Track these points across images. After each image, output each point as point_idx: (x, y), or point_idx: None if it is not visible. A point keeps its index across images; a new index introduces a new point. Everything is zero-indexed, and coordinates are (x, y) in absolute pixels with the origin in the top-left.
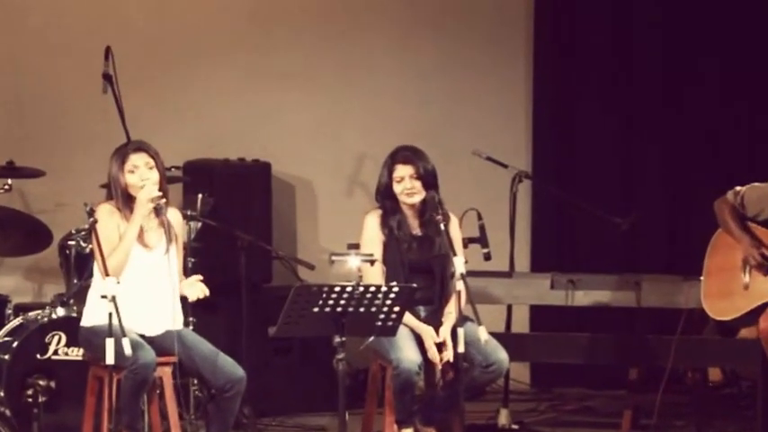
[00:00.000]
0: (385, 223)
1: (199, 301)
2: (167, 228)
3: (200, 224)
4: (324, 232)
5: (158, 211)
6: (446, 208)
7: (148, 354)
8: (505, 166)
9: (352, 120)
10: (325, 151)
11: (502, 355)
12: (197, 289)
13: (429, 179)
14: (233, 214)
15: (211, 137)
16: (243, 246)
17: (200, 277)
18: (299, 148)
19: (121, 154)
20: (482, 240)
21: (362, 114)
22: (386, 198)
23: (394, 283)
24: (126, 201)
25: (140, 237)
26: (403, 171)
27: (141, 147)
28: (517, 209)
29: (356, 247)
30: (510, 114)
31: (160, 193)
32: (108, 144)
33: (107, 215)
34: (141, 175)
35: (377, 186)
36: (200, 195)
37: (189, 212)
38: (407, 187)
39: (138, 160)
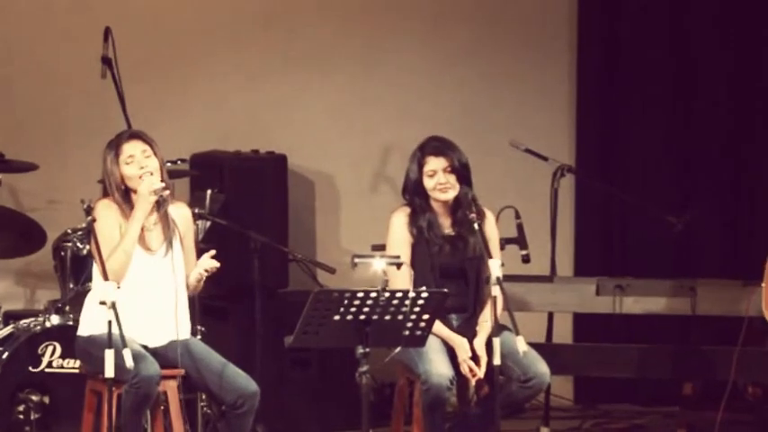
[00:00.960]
0: (413, 222)
1: (208, 307)
2: (171, 225)
3: (208, 223)
4: (345, 232)
5: (160, 205)
6: (481, 205)
7: (152, 366)
8: (546, 159)
9: (377, 108)
10: (347, 142)
11: (542, 368)
12: (206, 263)
13: (463, 173)
14: (245, 212)
15: (221, 127)
16: (256, 247)
17: (213, 252)
18: (319, 138)
19: (114, 145)
20: (520, 241)
21: (389, 102)
22: (415, 195)
23: (423, 289)
24: (125, 196)
25: (141, 237)
26: (435, 164)
27: (135, 134)
28: (559, 206)
29: (381, 248)
30: (551, 102)
31: (163, 184)
32: (108, 135)
33: (107, 212)
34: (139, 164)
35: (404, 182)
36: (208, 191)
37: (197, 210)
38: (440, 182)
39: (133, 149)
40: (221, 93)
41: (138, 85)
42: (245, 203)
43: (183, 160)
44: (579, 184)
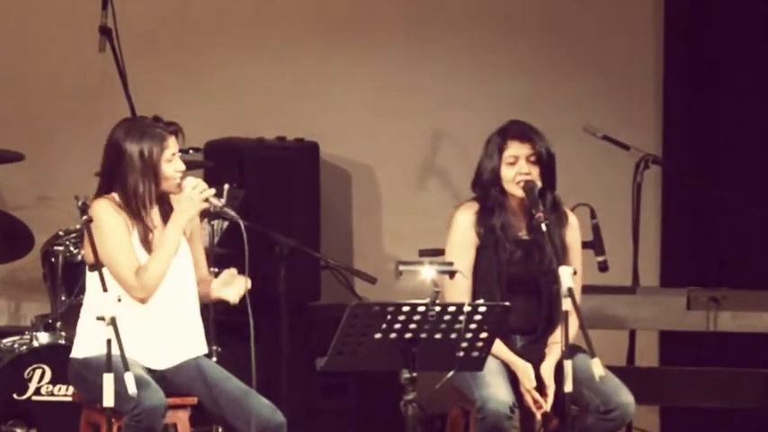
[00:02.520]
0: (483, 221)
1: (225, 324)
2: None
3: (225, 224)
4: (388, 234)
5: (216, 215)
6: (564, 207)
7: (155, 395)
8: (627, 148)
9: (424, 89)
10: (389, 128)
11: (625, 396)
12: (237, 287)
13: (548, 166)
14: (269, 211)
15: (241, 110)
16: (282, 252)
17: (234, 270)
18: (356, 123)
19: (159, 135)
20: (596, 245)
21: (438, 82)
22: (490, 186)
23: (480, 302)
24: (152, 202)
25: (146, 242)
26: (518, 149)
27: (177, 128)
28: (642, 204)
29: (431, 253)
30: (633, 80)
31: (213, 190)
32: (105, 120)
33: (112, 213)
34: (177, 167)
35: (477, 170)
36: (225, 186)
37: (211, 208)
38: (522, 172)
39: (174, 146)
40: (241, 71)
41: (142, 60)
42: (270, 200)
43: (195, 149)
44: (666, 177)
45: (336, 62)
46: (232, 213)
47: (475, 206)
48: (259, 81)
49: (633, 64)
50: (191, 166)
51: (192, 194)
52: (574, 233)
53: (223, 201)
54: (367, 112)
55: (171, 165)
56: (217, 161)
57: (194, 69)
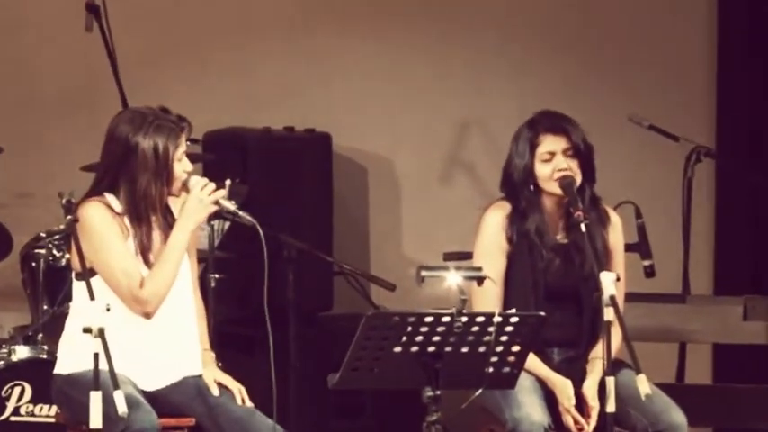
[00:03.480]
0: (515, 225)
1: (228, 336)
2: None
3: (227, 224)
4: (409, 236)
5: (214, 218)
6: (605, 206)
7: (147, 416)
8: (676, 139)
9: (448, 76)
10: (410, 117)
11: (676, 416)
12: (229, 386)
13: (588, 159)
14: (276, 209)
15: (245, 96)
16: (291, 256)
17: (234, 384)
18: (373, 112)
19: (175, 130)
20: (642, 248)
21: (465, 66)
22: (523, 187)
23: (512, 311)
24: (162, 205)
25: (143, 251)
26: (553, 144)
27: (188, 124)
28: (693, 202)
29: (456, 257)
30: (684, 63)
31: (224, 192)
32: (92, 108)
33: (107, 217)
34: (185, 167)
35: (505, 169)
36: (227, 182)
37: (237, 212)
38: (560, 168)
39: (185, 143)
40: (245, 53)
41: (132, 41)
42: (276, 198)
43: (194, 141)
44: (721, 172)
45: (352, 44)
46: (248, 217)
47: (506, 207)
48: (265, 64)
49: (683, 46)
50: (189, 160)
51: (201, 196)
52: (616, 234)
53: (233, 202)
54: (385, 99)
55: (180, 165)
56: (217, 154)
57: (192, 51)
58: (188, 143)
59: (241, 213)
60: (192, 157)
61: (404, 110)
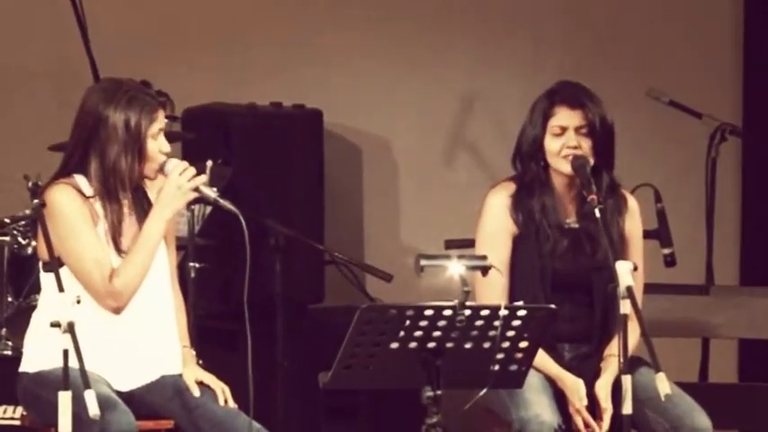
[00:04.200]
0: (520, 205)
1: (209, 330)
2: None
3: (208, 209)
4: (407, 222)
5: (214, 205)
6: (623, 190)
7: (123, 417)
8: (699, 116)
9: (450, 47)
10: (407, 94)
11: (700, 419)
12: (211, 385)
13: (604, 140)
14: (262, 193)
15: (228, 71)
16: (278, 244)
17: (219, 384)
18: (369, 87)
19: (150, 104)
20: (662, 235)
21: (469, 35)
22: (531, 161)
23: (519, 303)
24: (132, 183)
25: (115, 236)
26: (566, 118)
27: (167, 101)
28: (718, 185)
29: (459, 245)
30: (706, 34)
31: (204, 177)
32: (61, 83)
33: (75, 200)
34: (162, 147)
35: (518, 140)
36: (209, 163)
37: (219, 201)
38: (570, 145)
39: (162, 121)
40: (229, 23)
41: (104, 9)
42: (263, 180)
43: (172, 118)
44: (747, 152)
45: (346, 12)
46: (229, 206)
47: (511, 187)
48: (251, 34)
49: (707, 14)
50: (167, 139)
51: (180, 182)
52: (634, 221)
53: (215, 190)
54: (381, 72)
55: (156, 143)
56: (198, 132)
57: (171, 21)
58: (167, 121)
59: (222, 202)
60: (171, 136)
61: (401, 84)
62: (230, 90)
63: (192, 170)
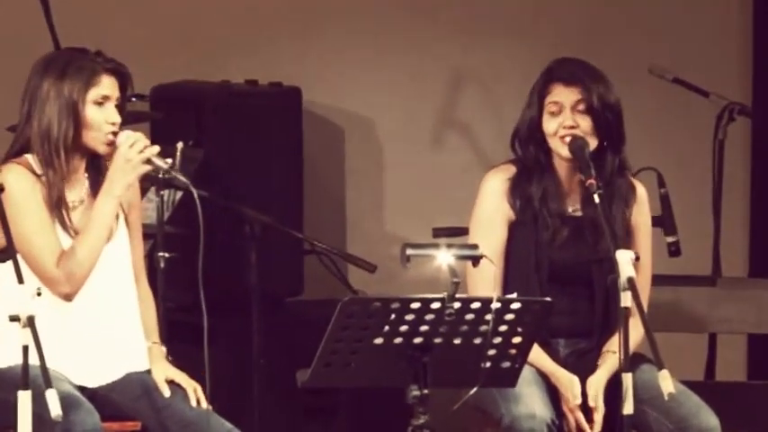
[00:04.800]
0: (519, 189)
1: (180, 324)
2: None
3: (179, 194)
4: (392, 208)
5: (164, 181)
6: (633, 177)
7: (88, 417)
8: (706, 95)
9: (440, 19)
10: (393, 70)
11: (707, 419)
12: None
13: (606, 119)
14: (236, 177)
15: (200, 46)
16: (253, 232)
17: (190, 383)
18: (351, 62)
19: (88, 69)
20: (665, 222)
21: (459, 10)
22: (529, 144)
23: (513, 295)
24: (70, 152)
25: (62, 218)
26: (563, 95)
27: (117, 67)
28: (726, 169)
29: (448, 233)
30: (713, 7)
31: (157, 147)
32: (20, 55)
33: (25, 181)
34: (108, 117)
35: (516, 125)
36: (179, 145)
37: (161, 174)
38: (566, 125)
39: (110, 88)
40: None
41: None
42: (237, 163)
43: (140, 97)
44: (757, 133)
45: None
46: (182, 178)
47: (511, 170)
48: (224, 6)
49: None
50: (133, 119)
51: (129, 154)
52: (642, 211)
53: (170, 161)
54: (365, 47)
55: (100, 111)
56: (167, 112)
57: None
58: (133, 99)
59: (176, 175)
60: (139, 116)
61: (386, 59)
62: (202, 66)
63: (144, 141)
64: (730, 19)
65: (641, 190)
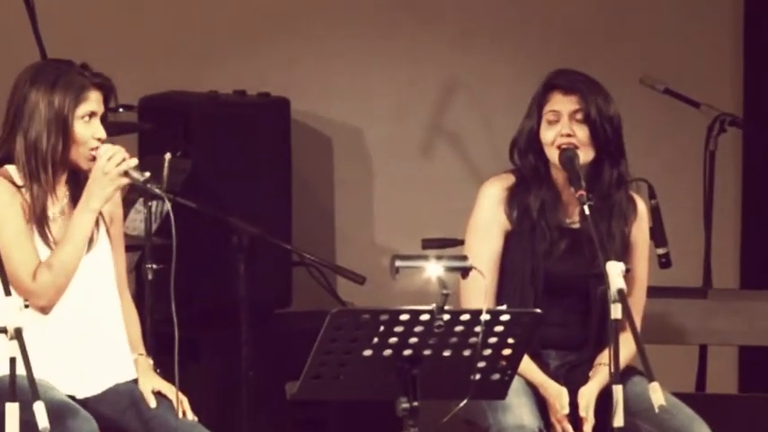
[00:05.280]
0: (516, 200)
1: (168, 336)
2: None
3: (167, 205)
4: (381, 219)
5: (143, 192)
6: (633, 190)
7: (85, 425)
8: (697, 106)
9: (430, 27)
10: (382, 79)
11: (700, 430)
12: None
13: (604, 130)
14: (224, 188)
15: (188, 56)
16: (242, 243)
17: (156, 386)
18: (340, 72)
19: (78, 83)
20: (656, 234)
21: (449, 19)
22: (528, 153)
23: (502, 308)
24: (56, 166)
25: (42, 231)
26: (561, 103)
27: (104, 82)
28: (717, 179)
29: (438, 244)
30: (705, 18)
31: (135, 161)
32: (7, 66)
33: (6, 192)
34: (95, 132)
35: (515, 135)
36: (167, 156)
37: (149, 185)
38: (563, 133)
39: (97, 103)
40: (189, 5)
41: None
42: (225, 174)
43: (127, 107)
44: (748, 144)
45: None
46: (158, 191)
47: (510, 179)
48: (212, 16)
49: (706, 10)
50: (121, 129)
51: (107, 167)
52: (642, 227)
53: (148, 174)
54: (354, 56)
55: (87, 126)
56: (156, 122)
57: (127, 3)
58: (121, 110)
59: (152, 187)
60: (126, 127)
61: (375, 68)
62: (190, 77)
63: (122, 154)
64: (721, 30)
65: (641, 206)
